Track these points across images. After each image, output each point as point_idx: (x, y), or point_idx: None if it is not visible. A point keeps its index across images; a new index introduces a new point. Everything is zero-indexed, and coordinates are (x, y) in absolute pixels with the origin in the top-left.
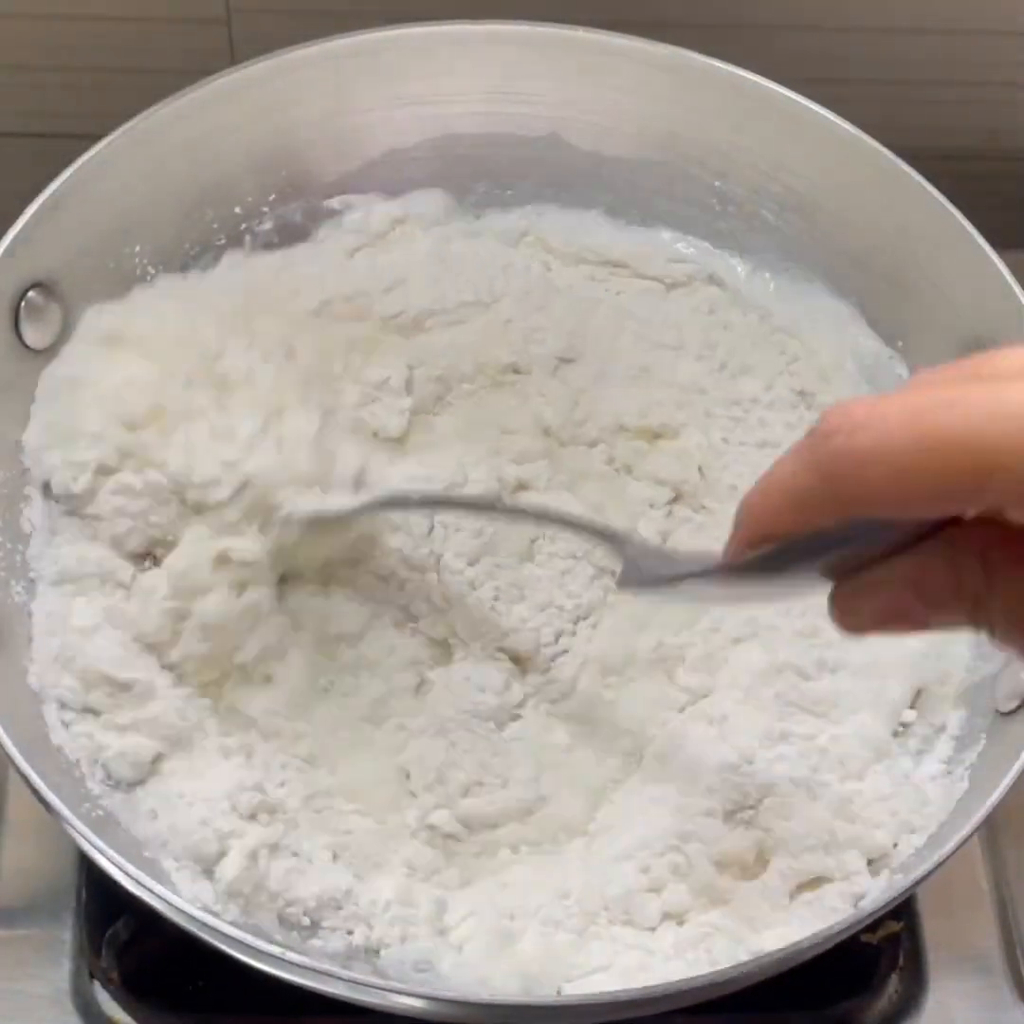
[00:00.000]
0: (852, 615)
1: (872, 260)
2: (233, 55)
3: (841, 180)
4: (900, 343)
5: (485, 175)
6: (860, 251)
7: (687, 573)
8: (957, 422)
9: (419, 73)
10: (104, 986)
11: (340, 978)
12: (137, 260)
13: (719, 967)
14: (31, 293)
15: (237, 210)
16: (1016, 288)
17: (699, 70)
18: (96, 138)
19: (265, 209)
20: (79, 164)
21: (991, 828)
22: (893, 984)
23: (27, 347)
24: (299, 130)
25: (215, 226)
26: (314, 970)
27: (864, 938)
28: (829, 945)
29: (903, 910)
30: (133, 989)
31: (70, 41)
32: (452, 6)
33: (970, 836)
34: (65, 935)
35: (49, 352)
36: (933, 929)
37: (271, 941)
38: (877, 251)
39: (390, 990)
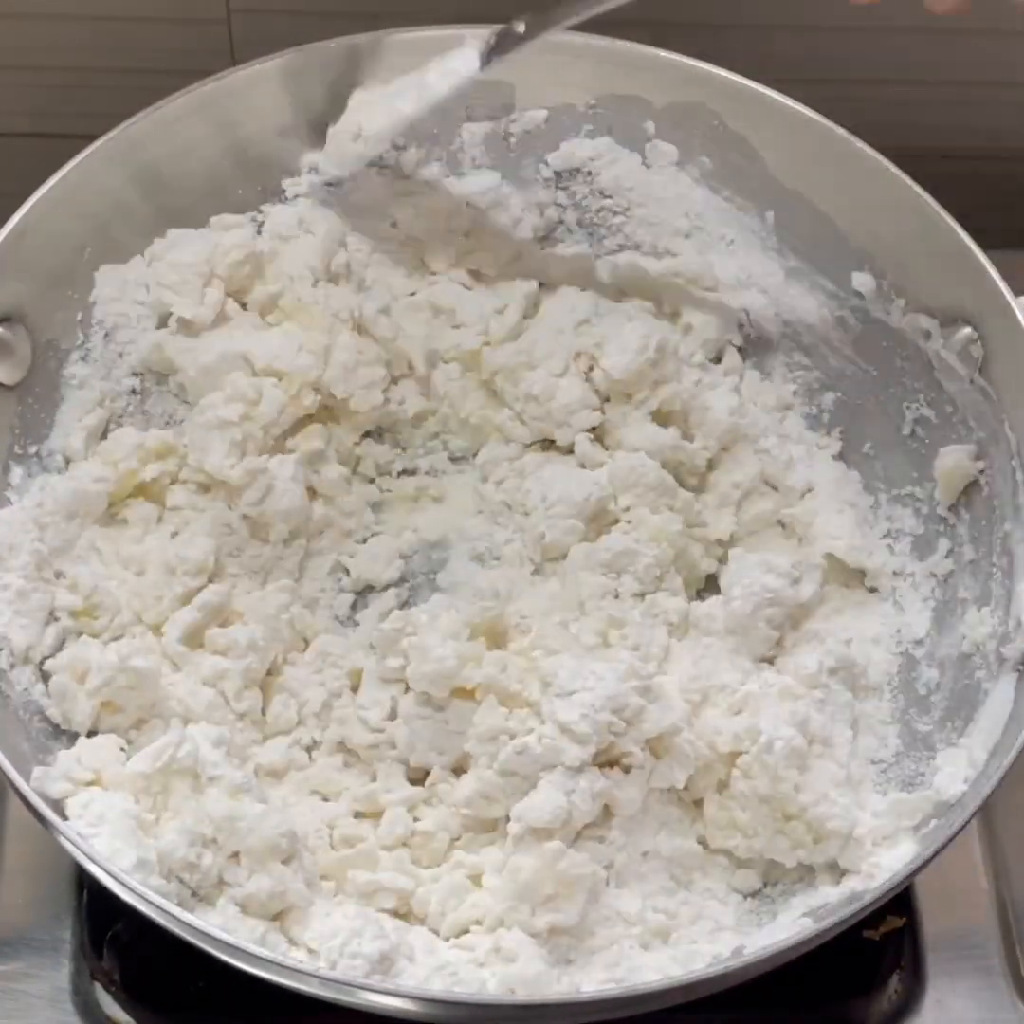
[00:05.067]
0: None
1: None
2: (233, 55)
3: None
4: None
5: None
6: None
7: None
8: None
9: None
10: (105, 988)
11: (317, 977)
12: None
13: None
14: None
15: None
16: (990, 267)
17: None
18: (94, 138)
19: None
20: (37, 198)
21: (991, 829)
22: (893, 983)
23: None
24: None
25: None
26: (298, 971)
27: (866, 934)
28: (828, 937)
29: (905, 906)
30: (134, 990)
31: (70, 41)
32: (454, 8)
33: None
34: (65, 935)
35: (21, 387)
36: (933, 928)
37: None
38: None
39: (368, 988)
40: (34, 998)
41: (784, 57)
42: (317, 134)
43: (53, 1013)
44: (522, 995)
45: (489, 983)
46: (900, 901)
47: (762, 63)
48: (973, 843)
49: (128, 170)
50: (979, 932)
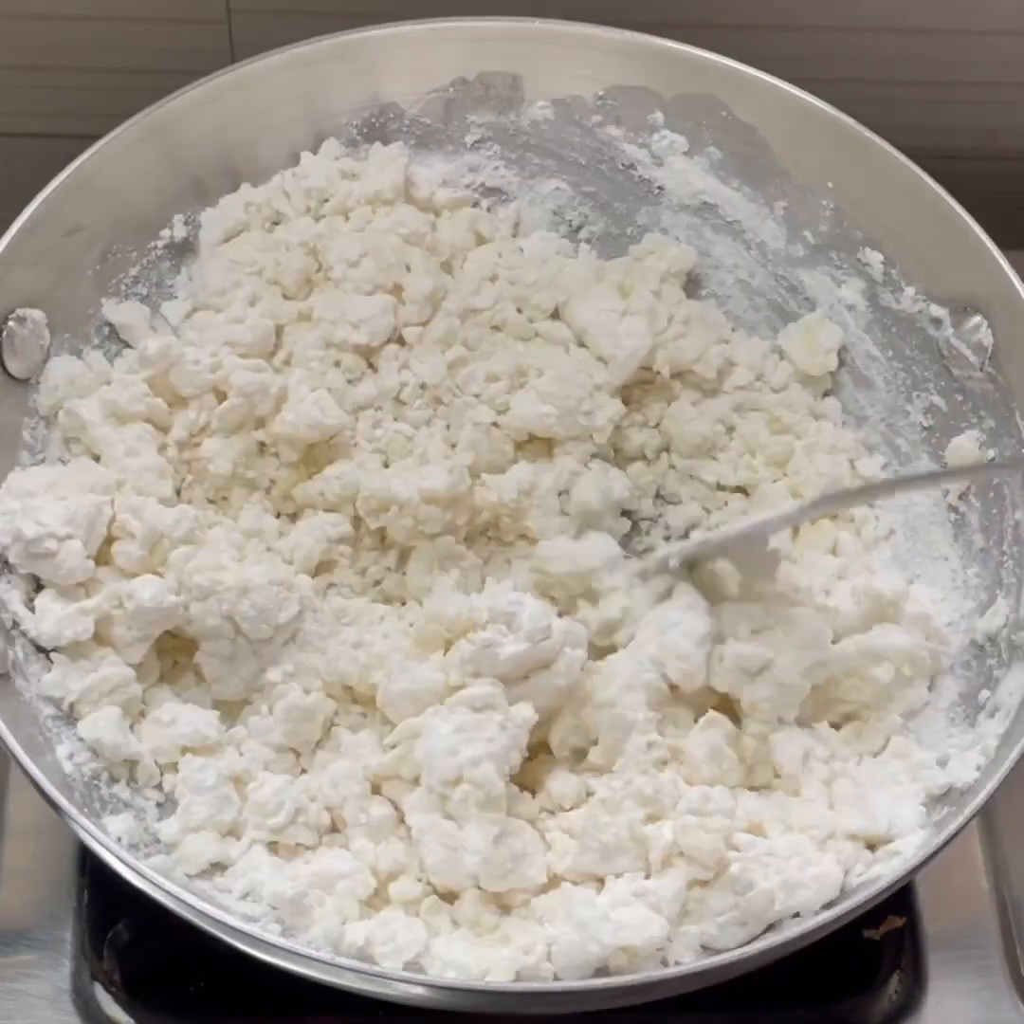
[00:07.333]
0: None
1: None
2: (233, 55)
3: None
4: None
5: None
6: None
7: None
8: None
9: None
10: (106, 988)
11: (329, 964)
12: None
13: None
14: (11, 321)
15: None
16: (1000, 256)
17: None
18: (95, 138)
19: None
20: (51, 189)
21: (992, 829)
22: (893, 983)
23: (11, 376)
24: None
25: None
26: (307, 957)
27: (867, 934)
28: (843, 923)
29: (905, 905)
30: (134, 990)
31: (70, 41)
32: (454, 6)
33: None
34: (66, 936)
35: (33, 380)
36: (933, 928)
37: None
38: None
39: (378, 975)
40: (34, 998)
41: (784, 57)
42: (316, 134)
43: (53, 1013)
44: (529, 983)
45: (492, 974)
46: (900, 901)
47: (763, 63)
48: (974, 843)
49: (138, 164)
50: (979, 932)
